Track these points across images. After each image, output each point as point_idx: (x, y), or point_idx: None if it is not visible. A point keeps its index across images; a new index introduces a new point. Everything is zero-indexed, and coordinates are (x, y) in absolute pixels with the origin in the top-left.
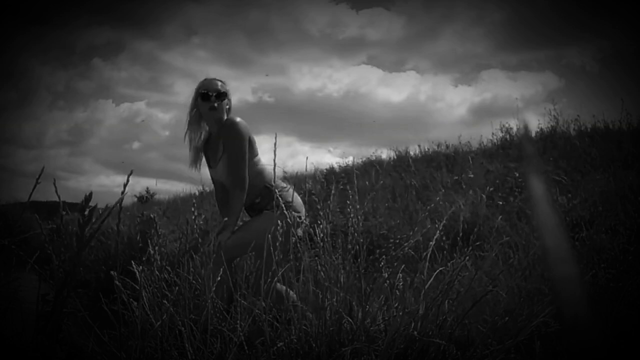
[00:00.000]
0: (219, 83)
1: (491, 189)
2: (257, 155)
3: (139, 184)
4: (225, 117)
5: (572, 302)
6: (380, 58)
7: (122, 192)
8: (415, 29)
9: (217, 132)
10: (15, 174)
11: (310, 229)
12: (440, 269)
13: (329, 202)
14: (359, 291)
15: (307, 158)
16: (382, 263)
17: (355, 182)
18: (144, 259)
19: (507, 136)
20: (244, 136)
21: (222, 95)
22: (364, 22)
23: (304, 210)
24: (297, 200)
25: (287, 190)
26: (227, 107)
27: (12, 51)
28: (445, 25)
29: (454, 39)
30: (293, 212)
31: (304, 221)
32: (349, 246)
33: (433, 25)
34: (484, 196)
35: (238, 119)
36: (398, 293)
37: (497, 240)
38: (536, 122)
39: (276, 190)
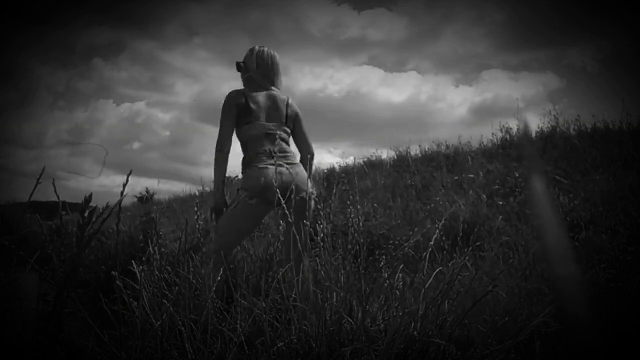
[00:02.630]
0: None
1: (492, 188)
2: (249, 122)
3: (139, 184)
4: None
5: (572, 302)
6: (381, 58)
7: (122, 192)
8: (416, 30)
9: None
10: (15, 174)
11: (311, 229)
12: (439, 268)
13: (329, 202)
14: (359, 291)
15: (309, 157)
16: (382, 263)
17: (356, 182)
18: (144, 258)
19: (507, 136)
20: (223, 107)
21: (239, 70)
22: (365, 22)
23: (257, 186)
24: (251, 178)
25: (246, 169)
26: (246, 76)
27: (12, 51)
28: (446, 25)
29: (454, 39)
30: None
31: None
32: (349, 246)
33: (434, 26)
34: (484, 196)
35: (229, 92)
36: (398, 293)
37: (497, 240)
38: (537, 122)
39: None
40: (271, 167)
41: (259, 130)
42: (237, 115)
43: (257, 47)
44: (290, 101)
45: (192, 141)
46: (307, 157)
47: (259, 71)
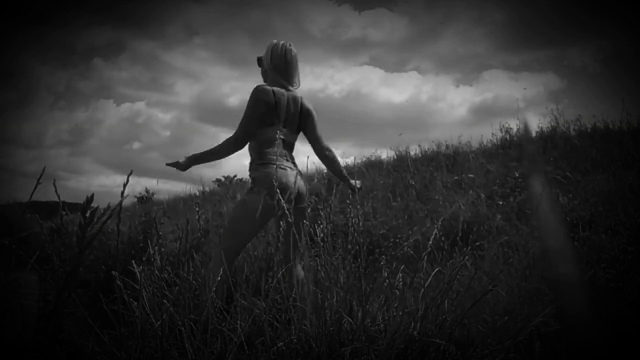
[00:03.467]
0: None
1: (492, 188)
2: (270, 125)
3: (139, 184)
4: (264, 82)
5: (572, 301)
6: (382, 58)
7: (122, 193)
8: (417, 30)
9: None
10: (15, 174)
11: (311, 229)
12: (438, 268)
13: (329, 201)
14: (359, 291)
15: (307, 157)
16: (382, 263)
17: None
18: (144, 259)
19: (507, 136)
20: (253, 100)
21: (260, 65)
22: (366, 22)
23: (275, 185)
24: (270, 176)
25: (264, 168)
26: (262, 71)
27: (12, 51)
28: (447, 25)
29: (455, 40)
30: (261, 192)
31: (267, 199)
32: (349, 246)
33: (435, 26)
34: (483, 196)
35: (257, 85)
36: (398, 293)
37: (497, 240)
38: (537, 122)
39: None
40: (289, 170)
41: (276, 135)
42: (264, 113)
43: (273, 42)
44: (303, 100)
45: (192, 141)
46: (324, 154)
47: (272, 67)
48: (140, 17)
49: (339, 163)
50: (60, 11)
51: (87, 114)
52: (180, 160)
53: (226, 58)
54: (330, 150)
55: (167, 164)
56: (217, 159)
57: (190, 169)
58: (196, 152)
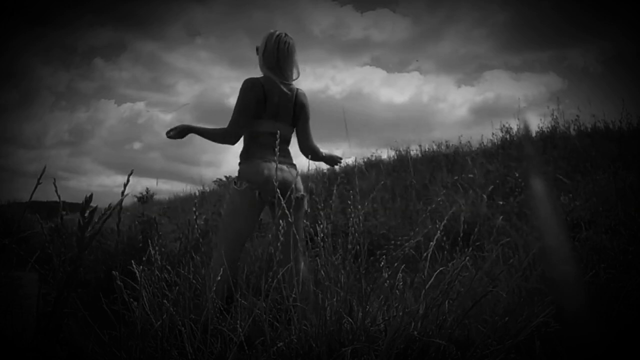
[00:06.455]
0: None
1: (491, 188)
2: (260, 118)
3: (139, 184)
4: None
5: (572, 302)
6: (383, 59)
7: (123, 193)
8: (419, 30)
9: None
10: (16, 174)
11: (311, 229)
12: (440, 269)
13: (330, 202)
14: (359, 291)
15: (309, 157)
16: (383, 263)
17: (356, 182)
18: (144, 259)
19: (508, 136)
20: (241, 94)
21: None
22: (368, 23)
23: (259, 178)
24: (252, 170)
25: (247, 161)
26: (260, 63)
27: (13, 51)
28: (449, 26)
29: (457, 40)
30: (242, 184)
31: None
32: (350, 246)
33: (437, 27)
34: (484, 196)
35: (246, 78)
36: (398, 293)
37: (498, 240)
38: (537, 123)
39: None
40: (273, 162)
41: (267, 129)
42: (253, 107)
43: (270, 31)
44: (298, 93)
45: (193, 141)
46: (310, 150)
47: (265, 57)
48: (141, 17)
49: (322, 155)
50: (61, 11)
51: (88, 114)
52: (177, 126)
53: (227, 58)
54: (316, 146)
55: (167, 132)
56: (209, 140)
57: (187, 170)
58: (194, 125)
